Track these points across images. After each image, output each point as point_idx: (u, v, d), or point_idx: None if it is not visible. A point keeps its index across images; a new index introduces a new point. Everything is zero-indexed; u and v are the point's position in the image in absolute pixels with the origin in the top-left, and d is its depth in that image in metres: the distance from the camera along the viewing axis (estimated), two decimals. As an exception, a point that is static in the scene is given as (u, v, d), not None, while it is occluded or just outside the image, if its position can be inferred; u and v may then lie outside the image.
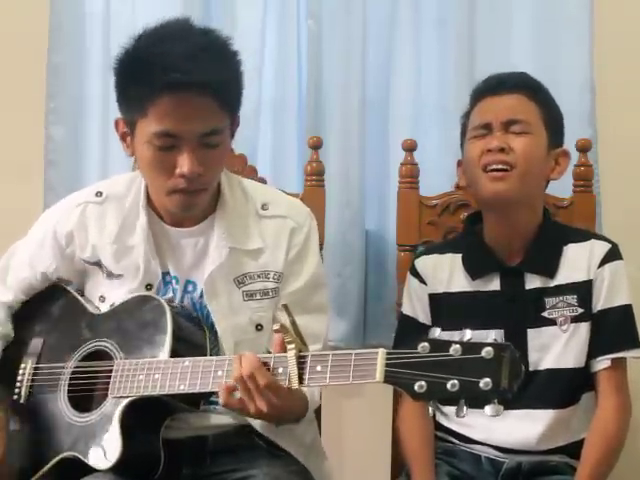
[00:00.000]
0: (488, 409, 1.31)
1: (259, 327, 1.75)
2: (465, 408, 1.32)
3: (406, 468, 1.89)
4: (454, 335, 1.84)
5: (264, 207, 1.79)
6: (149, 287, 1.74)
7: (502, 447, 1.84)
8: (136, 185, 1.78)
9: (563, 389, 1.83)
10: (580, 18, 2.39)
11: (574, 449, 1.82)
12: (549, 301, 1.84)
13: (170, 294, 1.75)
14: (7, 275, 1.86)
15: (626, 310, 1.84)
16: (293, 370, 1.46)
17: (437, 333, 1.37)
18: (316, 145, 2.23)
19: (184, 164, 1.60)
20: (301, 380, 1.46)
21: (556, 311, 1.84)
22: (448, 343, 1.33)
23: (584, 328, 1.83)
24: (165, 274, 1.76)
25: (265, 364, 1.50)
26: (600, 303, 1.83)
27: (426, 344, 1.34)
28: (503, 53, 2.42)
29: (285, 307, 1.48)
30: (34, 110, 2.44)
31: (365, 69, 2.44)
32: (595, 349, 1.83)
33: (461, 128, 1.94)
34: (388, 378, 1.37)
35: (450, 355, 1.32)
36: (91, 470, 1.62)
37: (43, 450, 1.69)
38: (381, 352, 1.39)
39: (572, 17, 2.40)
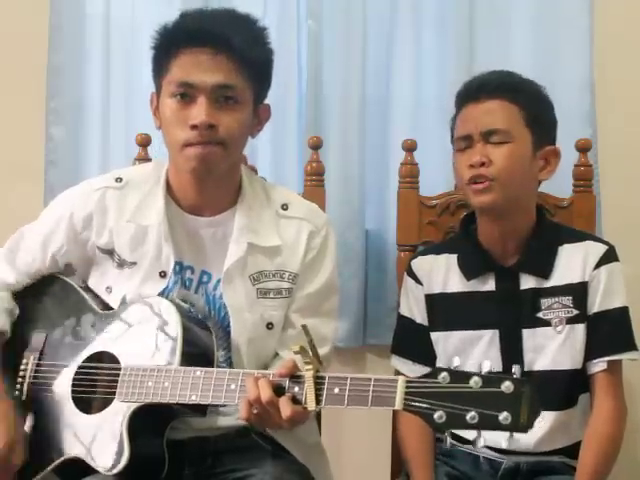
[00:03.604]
0: (504, 442, 1.32)
1: (270, 326, 1.75)
2: (483, 440, 1.34)
3: (405, 468, 1.90)
4: (450, 336, 1.87)
5: (284, 207, 1.81)
6: (162, 274, 1.74)
7: (500, 449, 1.83)
8: (157, 172, 1.80)
9: (560, 391, 1.83)
10: (580, 18, 2.39)
11: (573, 449, 1.83)
12: (544, 302, 1.84)
13: (178, 285, 1.74)
14: (16, 256, 1.85)
15: (622, 312, 1.83)
16: (310, 391, 1.46)
17: (456, 362, 1.38)
18: (316, 145, 2.24)
19: (197, 114, 1.65)
20: (318, 401, 1.46)
21: (551, 312, 1.84)
22: (468, 375, 1.35)
23: (580, 330, 1.83)
24: (178, 263, 1.75)
25: (281, 387, 1.50)
26: (596, 305, 1.83)
27: (446, 374, 1.36)
28: (503, 53, 2.42)
29: (304, 327, 1.48)
30: (34, 110, 2.44)
31: (365, 69, 2.44)
32: (591, 351, 1.82)
33: (450, 132, 1.93)
34: (407, 406, 1.38)
35: (470, 387, 1.34)
36: (94, 471, 1.62)
37: (46, 449, 1.69)
38: (401, 380, 1.40)
39: (572, 17, 2.40)
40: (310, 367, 1.46)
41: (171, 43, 1.70)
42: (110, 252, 1.78)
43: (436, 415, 1.34)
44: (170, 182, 1.78)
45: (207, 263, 1.76)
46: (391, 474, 2.09)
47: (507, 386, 1.32)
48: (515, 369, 1.35)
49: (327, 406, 1.47)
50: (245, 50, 1.68)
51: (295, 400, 1.48)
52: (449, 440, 1.39)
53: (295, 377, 1.50)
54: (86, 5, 2.47)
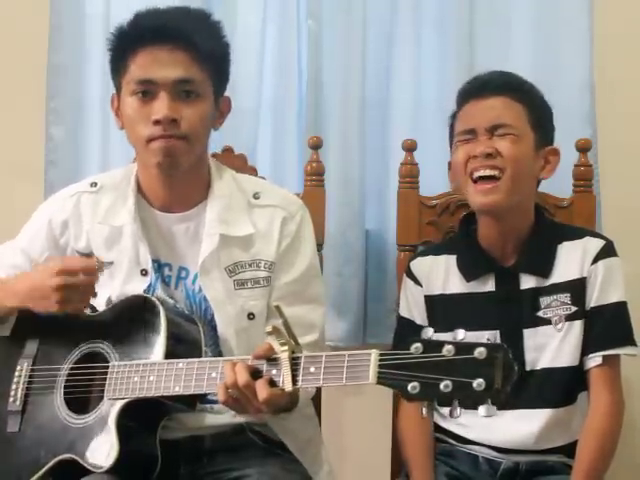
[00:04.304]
0: (482, 410, 1.31)
1: (251, 316, 1.75)
2: (459, 409, 1.32)
3: (405, 468, 1.90)
4: (450, 337, 1.87)
5: (255, 196, 1.81)
6: (144, 272, 1.75)
7: (500, 447, 1.84)
8: (127, 174, 1.82)
9: (559, 388, 1.83)
10: (580, 18, 2.40)
11: (572, 449, 1.82)
12: (543, 300, 1.84)
13: (160, 283, 1.75)
14: (1, 266, 1.86)
15: (620, 307, 1.83)
16: (287, 372, 1.46)
17: (430, 333, 1.37)
18: (316, 145, 2.23)
19: (158, 109, 1.68)
20: (295, 381, 1.46)
21: (550, 310, 1.84)
22: (441, 343, 1.33)
23: (578, 326, 1.83)
24: (155, 261, 1.76)
25: (258, 371, 1.50)
26: (593, 300, 1.83)
27: (419, 345, 1.34)
28: (503, 53, 2.42)
29: (277, 308, 1.47)
30: (34, 110, 2.44)
31: (365, 69, 2.44)
32: (588, 346, 1.82)
33: (449, 129, 1.94)
34: (381, 379, 1.37)
35: (443, 356, 1.32)
36: (89, 471, 1.61)
37: (40, 452, 1.69)
38: (374, 353, 1.39)
39: (572, 17, 2.40)
40: (285, 348, 1.45)
41: (128, 43, 1.73)
42: (89, 256, 1.79)
43: (410, 386, 1.33)
44: (140, 182, 1.80)
45: (183, 259, 1.77)
46: (391, 474, 2.09)
47: (480, 352, 1.30)
48: (489, 336, 1.34)
49: (304, 385, 1.47)
50: (202, 44, 1.71)
51: (272, 382, 1.48)
52: (424, 410, 1.37)
53: (272, 360, 1.49)
54: (86, 5, 2.47)
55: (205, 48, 1.72)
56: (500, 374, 1.29)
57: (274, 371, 1.49)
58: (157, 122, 1.67)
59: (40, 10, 2.43)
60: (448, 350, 1.32)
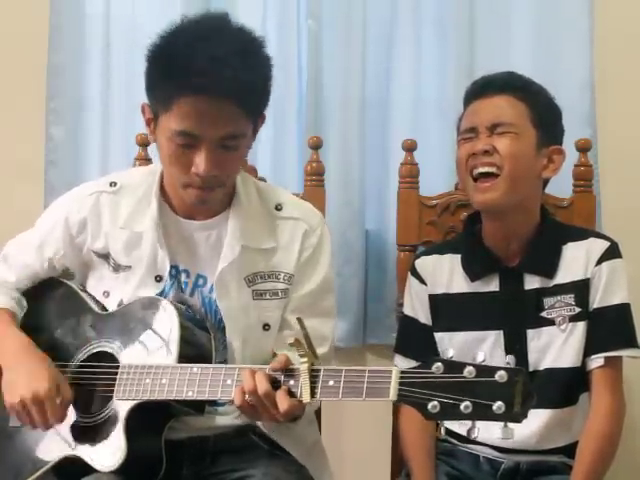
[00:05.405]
0: (499, 432, 1.32)
1: (266, 327, 1.75)
2: (477, 430, 1.34)
3: (406, 467, 1.90)
4: (454, 336, 1.87)
5: (278, 208, 1.81)
6: (158, 279, 1.74)
7: (501, 447, 1.83)
8: (151, 176, 1.79)
9: (561, 388, 1.83)
10: (580, 18, 2.40)
11: (572, 449, 1.82)
12: (547, 301, 1.84)
13: (174, 289, 1.74)
14: (13, 261, 1.84)
15: (623, 309, 1.83)
16: (305, 384, 1.46)
17: (451, 354, 1.37)
18: (316, 145, 2.24)
19: (200, 164, 1.62)
20: (313, 394, 1.47)
21: (554, 311, 1.83)
22: (462, 365, 1.34)
23: (581, 327, 1.83)
24: (173, 267, 1.75)
25: (276, 381, 1.50)
26: (597, 301, 1.82)
27: (440, 364, 1.35)
28: (503, 53, 2.42)
29: (299, 320, 1.48)
30: (34, 110, 2.44)
31: (365, 69, 2.44)
32: (590, 347, 1.82)
33: (457, 132, 1.94)
34: (401, 397, 1.38)
35: (464, 377, 1.33)
36: (92, 470, 1.62)
37: (44, 449, 1.69)
38: (395, 371, 1.40)
39: (572, 17, 2.40)
40: (305, 360, 1.46)
41: (179, 77, 1.59)
42: (106, 256, 1.78)
43: (430, 405, 1.34)
44: (164, 186, 1.78)
45: (202, 267, 1.76)
46: (391, 474, 2.09)
47: (501, 375, 1.31)
48: (509, 359, 1.34)
49: (322, 399, 1.47)
50: (253, 96, 1.63)
51: (290, 393, 1.49)
52: (443, 430, 1.38)
53: (290, 370, 1.50)
54: (86, 5, 2.47)
55: (258, 101, 1.66)
56: (520, 398, 1.30)
57: (291, 382, 1.50)
58: (197, 175, 1.63)
59: (40, 10, 2.43)
60: (469, 372, 1.33)
